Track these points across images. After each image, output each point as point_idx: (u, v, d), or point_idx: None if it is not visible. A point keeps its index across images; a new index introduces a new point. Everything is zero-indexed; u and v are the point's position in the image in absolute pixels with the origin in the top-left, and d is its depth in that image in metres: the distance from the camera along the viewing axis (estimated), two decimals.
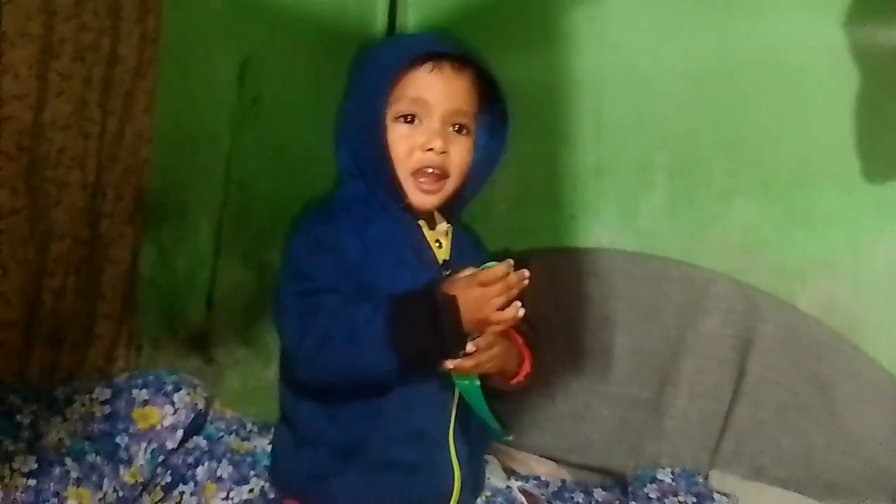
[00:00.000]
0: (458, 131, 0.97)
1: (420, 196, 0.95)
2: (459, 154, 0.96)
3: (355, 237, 0.92)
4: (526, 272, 0.83)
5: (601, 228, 1.76)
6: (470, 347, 0.85)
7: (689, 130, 1.65)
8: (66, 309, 1.41)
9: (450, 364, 0.84)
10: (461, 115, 0.96)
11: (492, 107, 1.01)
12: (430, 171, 0.93)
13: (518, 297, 0.85)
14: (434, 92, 0.94)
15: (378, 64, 0.96)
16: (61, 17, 1.34)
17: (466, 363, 0.85)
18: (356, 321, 0.84)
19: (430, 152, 0.93)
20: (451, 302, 0.84)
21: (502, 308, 0.83)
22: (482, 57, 0.99)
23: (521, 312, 0.84)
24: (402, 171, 0.94)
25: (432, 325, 0.83)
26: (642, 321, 1.59)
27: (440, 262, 0.97)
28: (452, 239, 1.01)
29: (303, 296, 0.88)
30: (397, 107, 0.93)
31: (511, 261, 0.83)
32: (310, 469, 0.90)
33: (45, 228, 1.36)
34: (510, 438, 0.98)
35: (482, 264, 0.87)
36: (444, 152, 0.94)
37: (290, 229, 0.93)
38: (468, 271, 0.86)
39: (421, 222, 0.98)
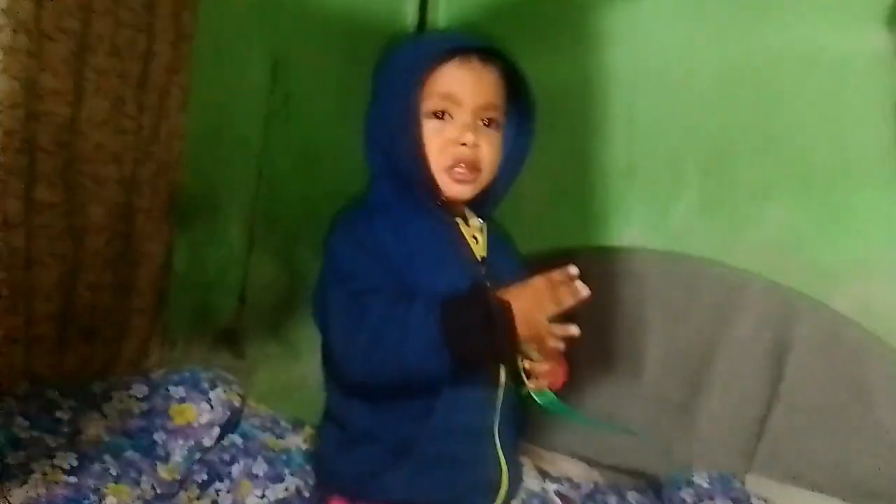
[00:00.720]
0: (488, 125, 0.97)
1: (455, 187, 0.96)
2: (490, 148, 0.97)
3: (395, 236, 0.92)
4: (582, 289, 0.83)
5: (632, 228, 1.74)
6: (538, 367, 0.85)
7: (722, 130, 1.63)
8: (102, 303, 1.41)
9: (531, 385, 0.84)
10: (491, 109, 0.97)
11: (518, 103, 1.01)
12: (463, 166, 0.94)
13: (572, 313, 0.85)
14: (463, 86, 0.95)
15: (406, 62, 0.96)
16: (98, 14, 1.35)
17: (542, 382, 0.86)
18: (408, 322, 0.84)
19: (462, 147, 0.94)
20: (506, 306, 0.84)
21: (556, 320, 0.84)
22: (509, 51, 1.00)
23: (576, 331, 0.84)
24: (437, 167, 0.95)
25: (487, 329, 0.83)
26: (675, 322, 1.58)
27: (479, 258, 0.97)
28: (487, 236, 1.01)
29: (350, 296, 0.88)
30: (427, 103, 0.94)
31: (574, 270, 0.83)
32: (361, 467, 0.90)
33: (82, 223, 1.37)
34: (635, 432, 0.99)
35: (516, 262, 0.88)
36: (476, 146, 0.95)
37: (329, 231, 0.93)
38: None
39: (457, 219, 0.98)
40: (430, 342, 0.83)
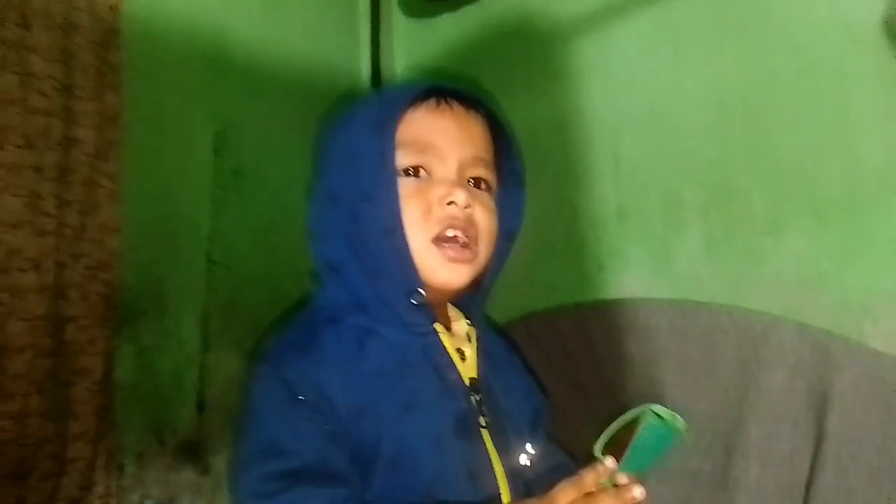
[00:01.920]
0: (478, 186, 0.77)
1: (447, 269, 0.73)
2: (486, 214, 0.76)
3: (345, 370, 0.69)
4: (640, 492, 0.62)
5: (632, 277, 1.57)
6: None
7: (719, 162, 1.48)
8: (31, 434, 1.21)
9: None
10: (480, 165, 0.77)
11: (499, 166, 0.82)
12: (456, 234, 0.72)
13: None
14: (445, 134, 0.75)
15: (368, 114, 0.77)
16: (3, 102, 1.18)
17: None
18: None
19: (451, 206, 0.73)
20: None
21: None
22: (491, 99, 0.82)
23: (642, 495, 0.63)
24: (419, 241, 0.73)
25: None
26: (695, 382, 1.39)
27: (467, 381, 0.74)
28: (478, 345, 0.80)
29: (269, 480, 0.64)
30: (398, 159, 0.74)
31: (616, 468, 0.61)
32: None
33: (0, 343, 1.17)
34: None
35: (522, 380, 0.68)
36: (469, 207, 0.74)
37: (255, 362, 0.73)
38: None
39: (437, 326, 0.76)
40: None
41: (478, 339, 0.79)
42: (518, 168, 0.79)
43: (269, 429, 0.67)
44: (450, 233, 0.73)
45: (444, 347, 0.75)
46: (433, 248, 0.73)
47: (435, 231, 0.73)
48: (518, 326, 1.62)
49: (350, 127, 0.78)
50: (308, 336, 0.72)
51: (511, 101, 1.59)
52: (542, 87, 1.67)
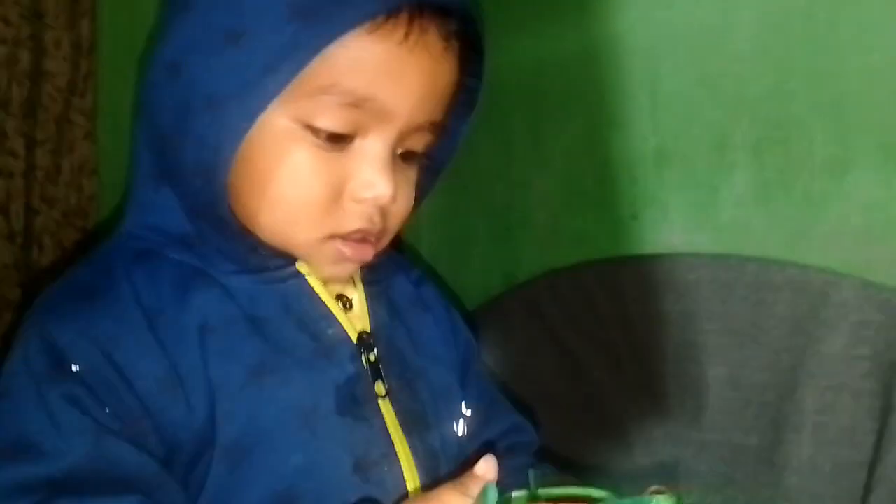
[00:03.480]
0: (408, 158, 0.57)
1: (336, 267, 0.56)
2: (405, 197, 0.57)
3: (152, 323, 0.51)
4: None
5: (671, 227, 1.39)
6: None
7: (775, 92, 1.28)
8: None
9: None
10: (427, 131, 0.56)
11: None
12: (360, 229, 0.54)
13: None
14: (403, 89, 0.51)
15: None
16: None
17: None
18: None
19: (367, 202, 0.53)
20: None
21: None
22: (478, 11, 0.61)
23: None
24: (306, 235, 0.54)
25: None
26: (741, 345, 1.22)
27: (355, 337, 0.56)
28: (369, 289, 0.61)
29: (18, 492, 0.45)
30: (313, 106, 0.51)
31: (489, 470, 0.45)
32: None
33: None
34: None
35: (433, 315, 0.52)
36: (394, 200, 0.55)
37: (30, 310, 0.57)
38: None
39: (301, 265, 0.56)
40: None
41: (369, 279, 0.60)
42: (474, 86, 0.60)
43: (21, 416, 0.48)
44: (353, 229, 0.55)
45: (316, 294, 0.56)
46: (325, 243, 0.55)
47: (335, 229, 0.54)
48: (540, 284, 1.47)
49: None
50: (99, 277, 0.53)
51: (532, 34, 1.42)
52: (571, 16, 1.48)
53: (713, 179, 1.35)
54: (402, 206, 0.56)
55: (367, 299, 0.58)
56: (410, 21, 0.51)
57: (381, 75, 0.51)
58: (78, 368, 0.48)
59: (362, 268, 0.59)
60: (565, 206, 1.50)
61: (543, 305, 1.46)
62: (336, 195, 0.52)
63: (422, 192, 0.60)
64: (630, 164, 1.43)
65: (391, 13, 0.49)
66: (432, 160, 0.59)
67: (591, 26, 1.46)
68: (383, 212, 0.54)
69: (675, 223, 1.40)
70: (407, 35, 0.50)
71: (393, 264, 0.62)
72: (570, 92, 1.52)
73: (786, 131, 1.26)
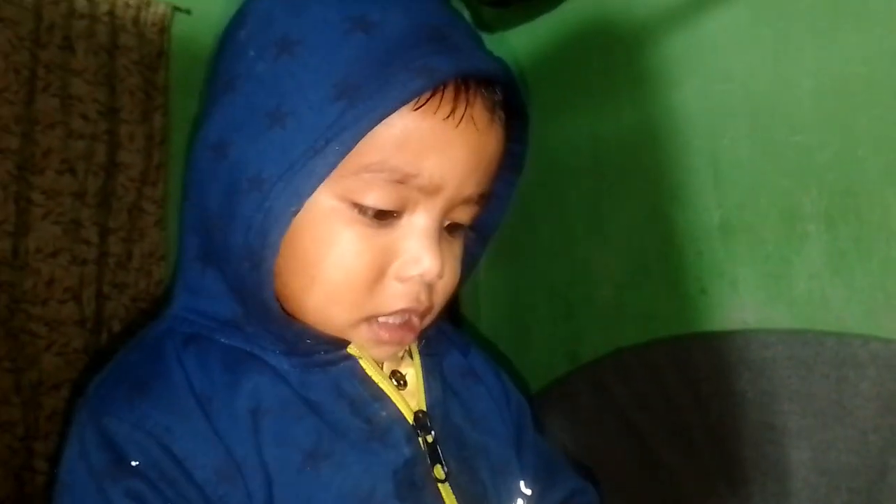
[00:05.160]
0: (454, 231, 0.53)
1: (374, 350, 0.52)
2: (451, 272, 0.53)
3: (206, 411, 0.48)
4: None
5: (742, 302, 1.34)
6: None
7: (842, 159, 1.23)
8: None
9: None
10: (474, 203, 0.52)
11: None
12: (404, 310, 0.50)
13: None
14: (449, 163, 0.48)
15: (318, 67, 0.47)
16: (43, 126, 1.14)
17: None
18: None
19: (413, 279, 0.50)
20: None
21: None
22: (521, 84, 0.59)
23: None
24: (345, 317, 0.50)
25: None
26: (825, 426, 1.14)
27: (410, 417, 0.53)
28: (425, 362, 0.57)
29: None
30: (360, 183, 0.48)
31: None
32: None
33: (34, 379, 1.11)
34: None
35: (485, 387, 0.48)
36: (440, 277, 0.51)
37: (76, 408, 0.54)
38: None
39: (353, 349, 0.52)
40: None
41: (425, 351, 0.56)
42: (518, 151, 0.57)
43: None
44: (395, 310, 0.51)
45: (368, 375, 0.52)
46: (362, 326, 0.51)
47: (375, 310, 0.50)
48: (607, 362, 1.41)
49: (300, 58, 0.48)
50: (151, 364, 0.50)
51: (593, 111, 1.42)
52: (627, 92, 1.49)
53: (784, 251, 1.29)
54: (448, 282, 0.52)
55: (423, 373, 0.55)
56: (456, 96, 0.48)
57: (428, 151, 0.48)
58: (137, 463, 0.46)
59: (420, 338, 0.56)
60: (629, 282, 1.46)
61: (611, 385, 1.40)
62: (380, 274, 0.49)
63: (470, 262, 0.57)
64: (695, 237, 1.39)
65: (437, 89, 0.47)
66: (479, 230, 0.57)
67: (648, 101, 1.46)
68: (430, 288, 0.51)
69: (745, 297, 1.34)
70: (453, 110, 0.48)
71: (443, 335, 0.60)
72: (630, 168, 1.51)
73: (857, 198, 1.21)
